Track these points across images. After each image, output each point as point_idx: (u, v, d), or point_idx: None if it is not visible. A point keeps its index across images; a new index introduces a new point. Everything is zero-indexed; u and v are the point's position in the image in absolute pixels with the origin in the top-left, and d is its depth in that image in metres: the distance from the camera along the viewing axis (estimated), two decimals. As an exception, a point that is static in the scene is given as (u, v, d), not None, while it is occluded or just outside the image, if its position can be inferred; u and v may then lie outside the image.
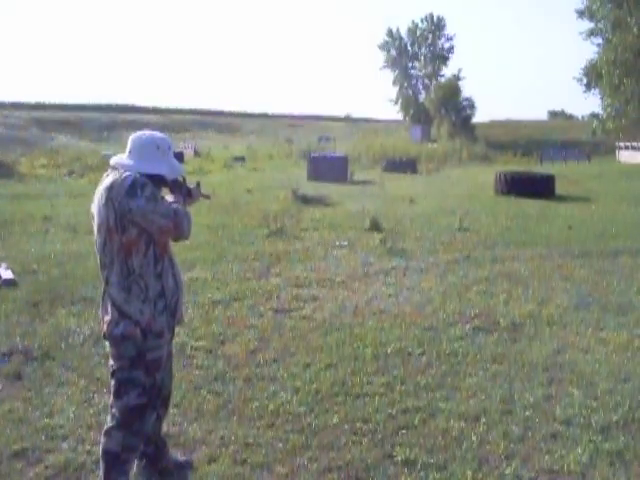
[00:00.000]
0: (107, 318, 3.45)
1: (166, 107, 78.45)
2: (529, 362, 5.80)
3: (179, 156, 34.82)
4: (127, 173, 3.38)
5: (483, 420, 4.67)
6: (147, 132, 3.60)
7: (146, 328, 3.41)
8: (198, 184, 3.92)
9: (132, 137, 3.56)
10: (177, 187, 3.67)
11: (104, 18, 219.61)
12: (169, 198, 3.58)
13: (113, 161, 3.52)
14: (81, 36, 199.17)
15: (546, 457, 4.17)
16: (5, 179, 24.80)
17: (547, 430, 4.52)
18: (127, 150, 3.52)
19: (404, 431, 4.52)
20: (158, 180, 3.51)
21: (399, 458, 4.16)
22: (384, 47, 77.18)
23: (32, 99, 71.29)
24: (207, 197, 4.11)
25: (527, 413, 4.78)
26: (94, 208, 3.45)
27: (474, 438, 4.40)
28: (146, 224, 3.33)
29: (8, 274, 8.66)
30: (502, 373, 5.55)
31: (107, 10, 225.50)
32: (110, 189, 3.35)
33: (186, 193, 3.70)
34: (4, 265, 9.13)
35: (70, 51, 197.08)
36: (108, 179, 3.42)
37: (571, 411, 4.80)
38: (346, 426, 4.59)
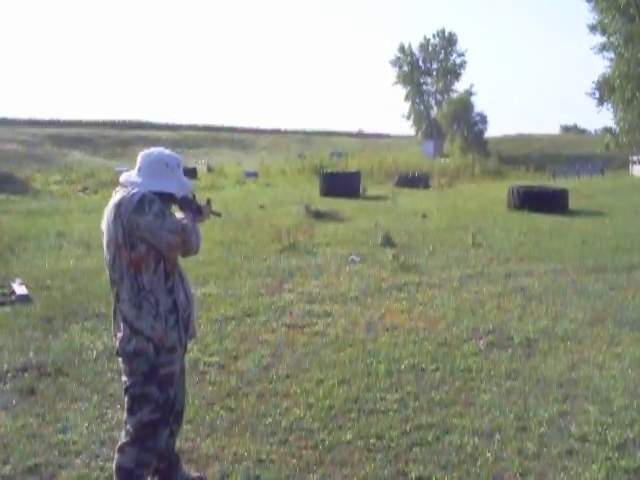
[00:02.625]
0: (119, 335, 3.46)
1: (179, 123, 79.02)
2: (544, 378, 5.76)
3: (192, 172, 35.05)
4: (135, 190, 3.39)
5: (498, 437, 4.64)
6: (156, 149, 3.61)
7: (158, 344, 3.42)
8: (209, 201, 3.91)
9: (141, 154, 3.57)
10: (187, 204, 3.66)
11: (118, 36, 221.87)
12: (179, 215, 3.59)
13: (122, 178, 3.54)
14: (95, 54, 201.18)
15: (562, 474, 4.13)
16: (20, 195, 25.01)
17: (562, 447, 4.48)
18: (136, 167, 3.53)
19: (418, 448, 4.50)
20: (167, 197, 3.53)
21: (413, 475, 4.13)
22: (396, 63, 77.46)
23: (46, 116, 72.05)
24: (218, 214, 4.10)
25: (542, 429, 4.74)
26: (103, 225, 3.47)
27: (489, 455, 4.37)
28: (154, 240, 3.35)
29: (22, 290, 8.70)
30: (516, 389, 5.51)
31: (121, 28, 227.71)
32: (118, 206, 3.37)
33: (196, 210, 3.69)
34: (18, 281, 9.18)
35: (84, 68, 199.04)
36: (117, 196, 3.44)
37: (587, 428, 4.75)
38: (360, 442, 4.57)
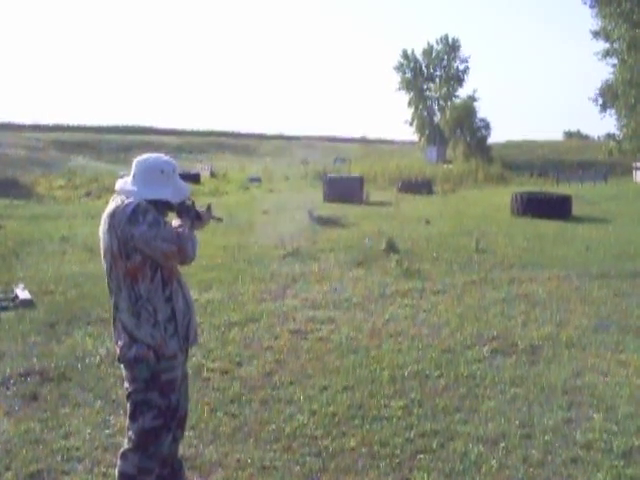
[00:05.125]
0: (120, 343, 3.45)
1: (183, 129, 79.01)
2: (548, 385, 5.73)
3: (195, 177, 35.03)
4: (130, 199, 3.36)
5: (502, 444, 4.61)
6: (152, 156, 3.57)
7: (158, 352, 3.40)
8: (209, 206, 3.86)
9: (136, 161, 3.53)
10: (184, 211, 3.59)
11: (121, 41, 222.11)
12: (175, 222, 3.51)
13: (118, 186, 3.50)
14: (99, 59, 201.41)
15: (567, 482, 4.11)
16: (24, 200, 25.03)
17: (567, 454, 4.45)
18: (131, 174, 3.50)
19: (422, 455, 4.47)
20: (164, 205, 3.49)
21: (417, 482, 4.11)
22: (399, 69, 77.28)
23: (51, 121, 72.18)
24: (219, 219, 4.05)
25: (547, 437, 4.72)
26: (100, 233, 3.45)
27: (493, 462, 4.35)
28: (150, 250, 3.31)
29: (25, 294, 8.70)
30: (521, 396, 5.49)
31: (124, 33, 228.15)
32: (112, 216, 3.34)
33: (194, 216, 3.64)
34: (21, 285, 9.18)
35: (88, 74, 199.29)
36: (111, 205, 3.41)
37: (591, 435, 4.73)
38: (363, 450, 4.55)
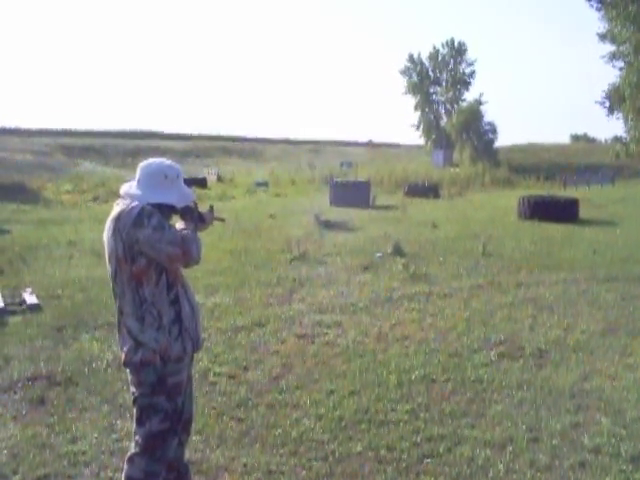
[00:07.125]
0: (125, 348, 3.46)
1: (189, 133, 79.02)
2: (555, 389, 5.71)
3: (202, 182, 35.10)
4: (135, 203, 3.36)
5: (509, 448, 4.60)
6: (156, 161, 3.57)
7: (164, 355, 3.40)
8: (211, 207, 3.87)
9: (141, 166, 3.54)
10: (188, 213, 3.60)
11: (129, 46, 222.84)
12: (179, 225, 3.54)
13: (122, 190, 3.51)
14: (106, 64, 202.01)
15: (575, 487, 4.09)
16: (31, 204, 25.10)
17: (575, 459, 4.43)
18: (136, 179, 3.51)
19: (429, 459, 4.46)
20: (168, 208, 3.50)
21: (424, 487, 4.10)
22: (405, 72, 77.37)
23: (58, 126, 72.37)
24: (221, 220, 4.08)
25: (554, 441, 4.70)
26: (104, 238, 3.46)
27: (500, 467, 4.33)
28: (154, 253, 3.31)
29: (33, 299, 8.72)
30: (528, 400, 5.47)
31: (131, 39, 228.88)
32: (117, 220, 3.35)
33: (198, 218, 3.64)
34: (29, 290, 9.20)
35: (95, 79, 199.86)
36: (116, 209, 3.42)
37: (599, 439, 4.71)
38: (370, 454, 4.54)
